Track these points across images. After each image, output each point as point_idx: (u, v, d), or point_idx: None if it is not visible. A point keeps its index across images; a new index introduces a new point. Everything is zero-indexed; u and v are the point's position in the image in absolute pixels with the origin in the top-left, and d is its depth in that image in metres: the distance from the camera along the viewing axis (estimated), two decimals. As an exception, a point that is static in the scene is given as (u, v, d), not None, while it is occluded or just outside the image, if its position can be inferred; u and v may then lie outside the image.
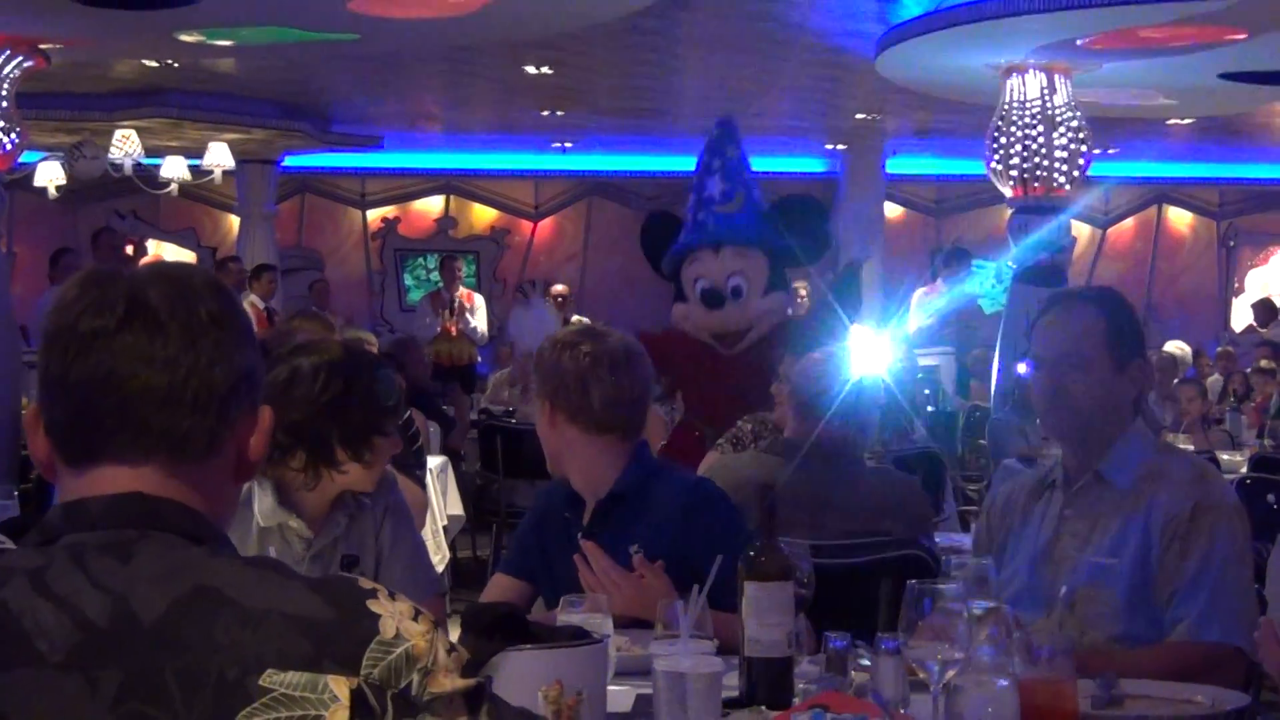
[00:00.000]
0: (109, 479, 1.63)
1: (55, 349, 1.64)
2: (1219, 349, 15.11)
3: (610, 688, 2.53)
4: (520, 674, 2.32)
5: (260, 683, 1.49)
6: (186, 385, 1.63)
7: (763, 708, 2.67)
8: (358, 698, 1.50)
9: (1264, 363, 12.89)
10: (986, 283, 18.54)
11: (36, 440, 1.69)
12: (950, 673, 2.42)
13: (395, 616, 1.56)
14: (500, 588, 3.68)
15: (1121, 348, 3.30)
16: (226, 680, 1.48)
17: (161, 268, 1.72)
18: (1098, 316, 3.31)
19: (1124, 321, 3.35)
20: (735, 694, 2.71)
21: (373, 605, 1.56)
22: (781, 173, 18.24)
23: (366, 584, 1.59)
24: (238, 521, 3.37)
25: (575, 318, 14.80)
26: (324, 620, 1.53)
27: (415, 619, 1.56)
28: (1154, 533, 3.15)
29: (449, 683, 1.56)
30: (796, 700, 2.66)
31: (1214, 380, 13.44)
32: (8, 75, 10.63)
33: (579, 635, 2.47)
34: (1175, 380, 11.23)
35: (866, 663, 2.65)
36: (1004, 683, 2.35)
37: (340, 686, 1.50)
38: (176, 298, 1.65)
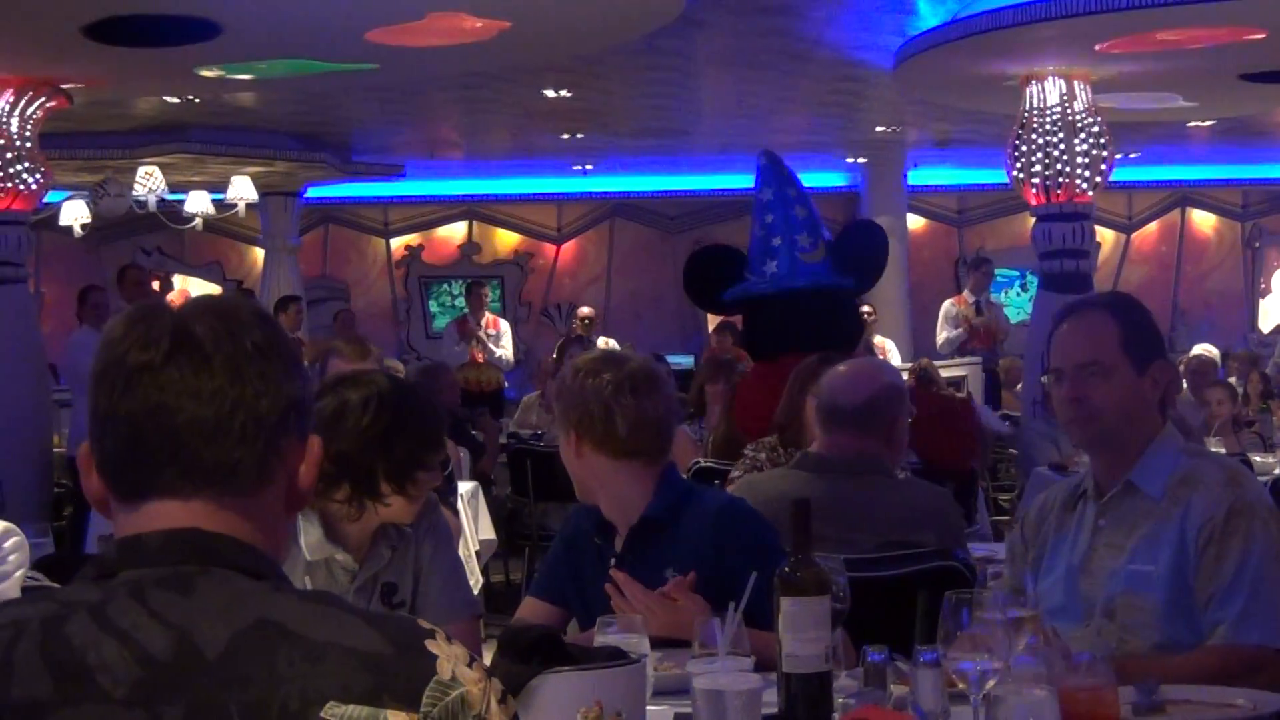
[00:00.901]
0: (162, 514, 1.64)
1: (104, 384, 1.65)
2: (1237, 351, 15.04)
3: (648, 707, 2.53)
4: (559, 695, 2.32)
5: (322, 715, 1.50)
6: (234, 416, 1.64)
7: (803, 723, 2.66)
8: None
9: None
10: (1011, 291, 18.55)
11: (90, 479, 1.70)
12: (990, 683, 2.42)
13: (451, 660, 1.57)
14: (531, 611, 3.67)
15: (1138, 350, 3.28)
16: (289, 712, 1.50)
17: (207, 300, 1.73)
18: (1110, 322, 3.28)
19: (1138, 323, 3.33)
20: (774, 710, 2.71)
21: (430, 645, 1.58)
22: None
23: (424, 624, 1.61)
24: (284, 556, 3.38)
25: (601, 340, 14.81)
26: (384, 655, 1.55)
27: (470, 665, 1.58)
28: (1189, 538, 3.13)
29: None
30: (836, 715, 2.66)
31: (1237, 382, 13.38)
32: (31, 116, 10.70)
33: (616, 656, 2.46)
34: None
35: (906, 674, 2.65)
36: (1044, 691, 2.34)
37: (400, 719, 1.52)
38: (222, 330, 1.66)
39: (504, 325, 15.09)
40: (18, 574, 3.67)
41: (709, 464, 7.07)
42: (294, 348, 1.75)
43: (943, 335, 14.61)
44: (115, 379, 1.64)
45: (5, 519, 3.93)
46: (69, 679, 1.51)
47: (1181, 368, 11.25)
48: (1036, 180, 11.19)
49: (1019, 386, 12.93)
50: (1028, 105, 11.22)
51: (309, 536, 3.39)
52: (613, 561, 3.51)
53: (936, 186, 19.08)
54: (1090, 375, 3.23)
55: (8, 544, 3.75)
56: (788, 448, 5.49)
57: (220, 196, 15.18)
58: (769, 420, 5.76)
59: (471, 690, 1.56)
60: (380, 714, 1.51)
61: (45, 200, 11.79)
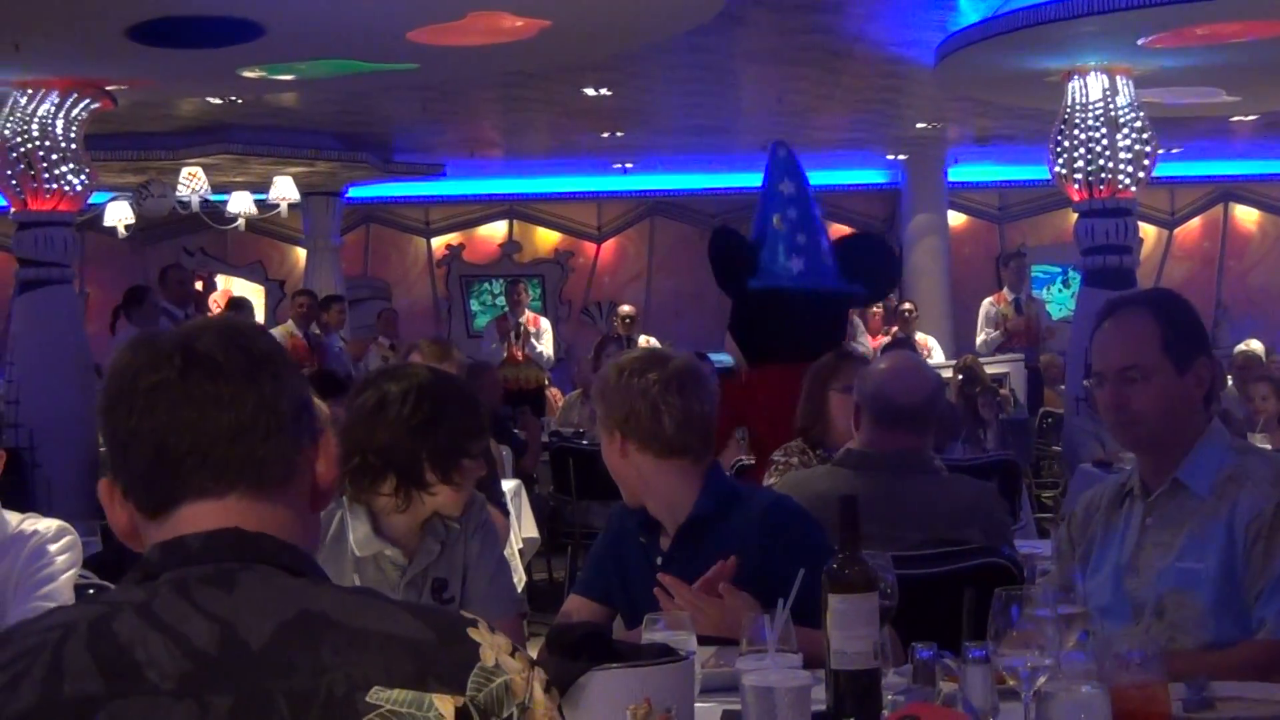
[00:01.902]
0: (197, 516, 1.68)
1: (119, 411, 1.70)
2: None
3: (696, 705, 2.53)
4: (608, 692, 2.32)
5: (368, 699, 1.53)
6: (256, 418, 1.69)
7: (852, 720, 2.66)
8: (463, 716, 1.54)
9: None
10: (1053, 287, 18.47)
11: (114, 510, 1.75)
12: (1040, 679, 2.41)
13: (494, 648, 1.60)
14: (576, 609, 3.67)
15: (1180, 349, 3.24)
16: (335, 698, 1.52)
17: (204, 320, 1.81)
18: (1150, 321, 3.24)
19: (1179, 321, 3.28)
20: (823, 708, 2.70)
21: (473, 633, 1.61)
22: (843, 185, 18.24)
23: (466, 614, 1.64)
24: (333, 554, 3.40)
25: (642, 338, 14.80)
26: (427, 642, 1.58)
27: (513, 655, 1.61)
28: (1238, 535, 3.11)
29: None
30: (885, 712, 2.65)
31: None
32: (76, 117, 10.77)
33: (665, 653, 2.47)
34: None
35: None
36: (1095, 688, 2.34)
37: (445, 705, 1.54)
38: (227, 340, 1.72)
39: (544, 323, 15.10)
40: (70, 573, 3.70)
41: (751, 462, 7.06)
42: (289, 356, 1.81)
43: (981, 336, 14.56)
44: (132, 403, 1.69)
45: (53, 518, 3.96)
46: (118, 674, 1.54)
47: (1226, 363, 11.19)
48: (1079, 176, 11.13)
49: (1061, 385, 12.87)
50: (1070, 101, 11.17)
51: (357, 533, 3.41)
52: (659, 560, 3.50)
53: (977, 183, 19.02)
54: (1131, 380, 3.21)
55: (59, 543, 3.77)
56: (815, 448, 5.47)
57: (262, 197, 15.26)
58: (788, 426, 5.71)
59: (515, 679, 1.59)
60: (425, 698, 1.54)
61: (90, 201, 11.86)
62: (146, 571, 1.65)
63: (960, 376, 10.94)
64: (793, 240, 7.85)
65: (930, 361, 12.23)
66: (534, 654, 2.37)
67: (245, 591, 1.60)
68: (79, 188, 10.78)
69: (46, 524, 3.83)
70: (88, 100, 10.83)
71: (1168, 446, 3.23)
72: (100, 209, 14.77)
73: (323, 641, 1.55)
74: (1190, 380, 3.23)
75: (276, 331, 13.17)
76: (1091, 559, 3.30)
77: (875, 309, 14.86)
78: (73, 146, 10.78)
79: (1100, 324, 3.32)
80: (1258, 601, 3.08)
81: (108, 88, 10.94)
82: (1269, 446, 8.14)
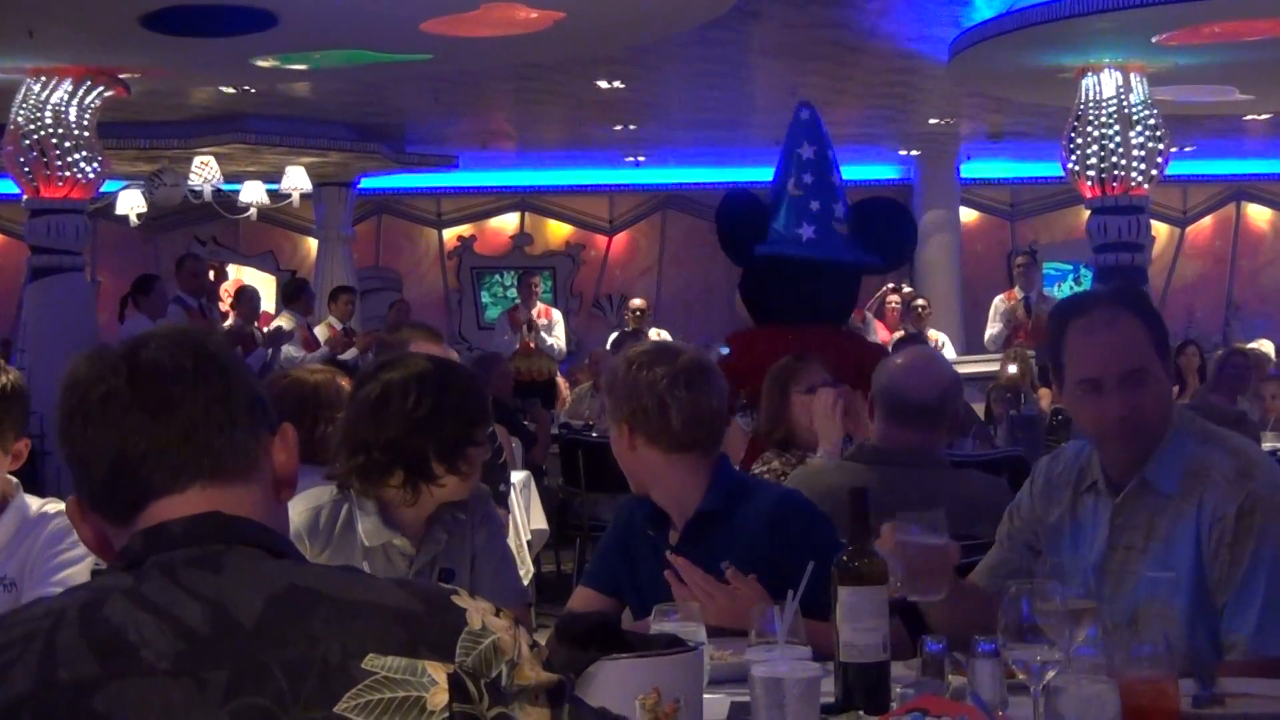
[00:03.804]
0: (161, 512, 1.72)
1: (75, 425, 1.74)
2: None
3: (704, 696, 2.53)
4: (617, 682, 2.32)
5: (363, 666, 1.56)
6: (208, 415, 1.73)
7: (860, 713, 2.66)
8: (455, 682, 1.58)
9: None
10: (1065, 285, 18.43)
11: (82, 526, 1.78)
12: (1050, 673, 2.41)
13: (480, 611, 1.64)
14: (584, 601, 3.66)
15: (1163, 345, 3.14)
16: (330, 665, 1.56)
17: (146, 332, 1.83)
18: (1136, 320, 3.11)
19: (1155, 317, 3.17)
20: (831, 700, 2.70)
21: (457, 600, 1.65)
22: (855, 181, 18.18)
23: (445, 585, 1.69)
24: (342, 545, 3.40)
25: (653, 331, 14.80)
26: (415, 611, 1.62)
27: (497, 615, 1.65)
28: (1204, 540, 3.01)
29: (534, 675, 1.63)
30: (894, 705, 2.65)
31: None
32: (89, 105, 10.79)
33: (675, 643, 2.46)
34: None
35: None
36: (1104, 682, 2.33)
37: (438, 671, 1.58)
38: (171, 346, 1.76)
39: (556, 315, 15.10)
40: (90, 559, 3.70)
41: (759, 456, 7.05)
42: (237, 354, 1.87)
43: (988, 331, 14.54)
44: (86, 416, 1.73)
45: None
46: (112, 656, 1.56)
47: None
48: (1091, 173, 11.12)
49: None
50: (1083, 98, 11.16)
51: (365, 524, 3.41)
52: (668, 553, 3.50)
53: (990, 179, 19.00)
54: (1138, 383, 3.06)
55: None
56: (788, 449, 5.47)
57: (275, 187, 15.26)
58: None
59: (503, 637, 1.62)
60: (418, 665, 1.57)
61: (102, 189, 11.88)
62: (130, 559, 1.68)
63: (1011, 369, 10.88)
64: (805, 206, 7.82)
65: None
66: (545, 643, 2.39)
67: (232, 572, 1.63)
68: (91, 175, 10.81)
69: None
70: (101, 88, 10.85)
71: (1149, 447, 3.10)
72: (112, 197, 14.78)
73: (314, 614, 1.58)
74: (1171, 377, 3.18)
75: (319, 329, 13.26)
76: (1063, 548, 3.16)
77: (892, 302, 14.84)
78: (85, 134, 10.80)
79: (1067, 329, 3.14)
80: (1224, 613, 2.99)
81: (121, 76, 10.95)
82: (1278, 445, 8.14)
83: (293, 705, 1.53)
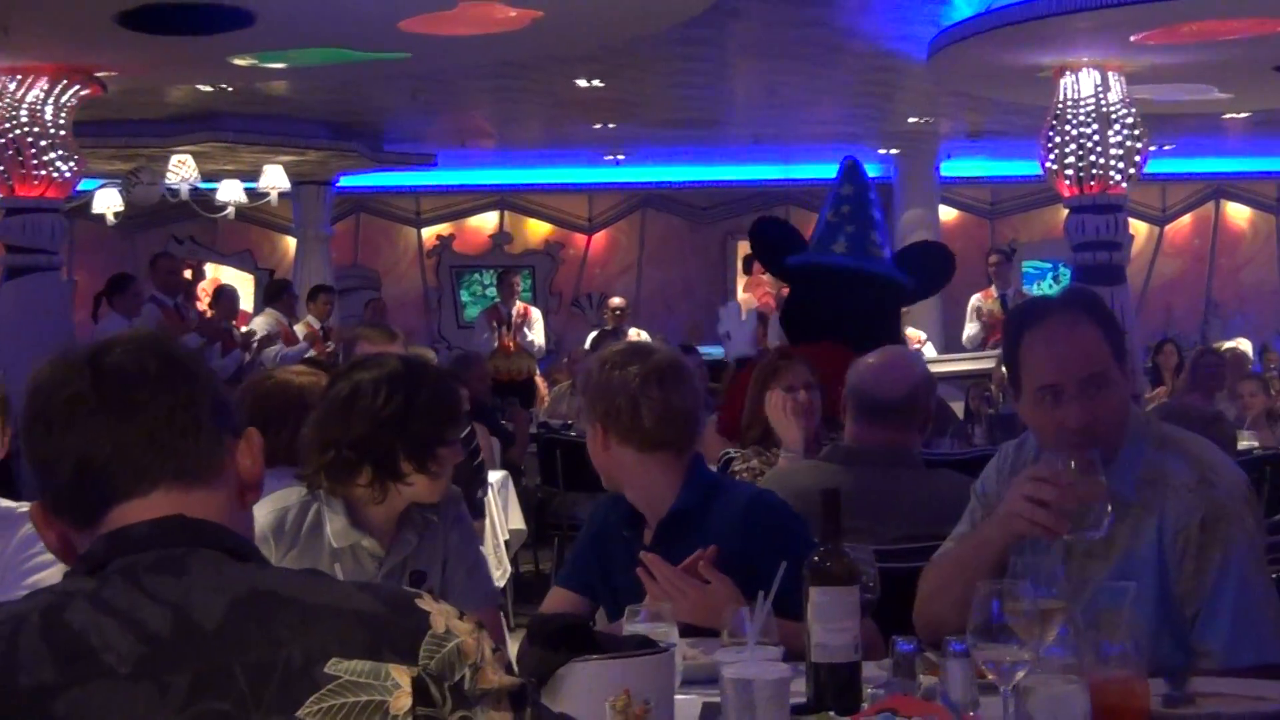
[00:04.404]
0: (124, 516, 1.71)
1: (38, 429, 1.74)
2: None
3: (676, 697, 2.53)
4: (587, 684, 2.32)
5: (326, 670, 1.56)
6: (172, 418, 1.73)
7: (831, 713, 2.65)
8: (419, 686, 1.58)
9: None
10: (1044, 283, 18.47)
11: (46, 532, 1.78)
12: (1020, 673, 2.40)
13: (443, 615, 1.65)
14: (558, 601, 3.66)
15: (1119, 349, 3.11)
16: (292, 669, 1.56)
17: (110, 337, 1.83)
18: (1093, 325, 3.06)
19: (1111, 320, 3.14)
20: (803, 700, 2.70)
21: (419, 604, 1.65)
22: (835, 179, 18.22)
23: (409, 589, 1.69)
24: (310, 545, 3.39)
25: (632, 330, 14.80)
26: (378, 614, 1.62)
27: (461, 618, 1.66)
28: (1168, 549, 2.98)
29: (496, 679, 1.64)
30: (865, 705, 2.65)
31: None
32: (65, 104, 10.75)
33: (645, 645, 2.46)
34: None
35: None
36: (1074, 683, 2.33)
37: (401, 675, 1.58)
38: (135, 351, 1.76)
39: (535, 314, 15.12)
40: (59, 564, 3.68)
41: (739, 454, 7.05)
42: (200, 359, 1.85)
43: (966, 331, 14.57)
44: (50, 420, 1.73)
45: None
46: (73, 661, 1.56)
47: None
48: (1070, 172, 11.14)
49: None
50: (1062, 96, 11.17)
51: (334, 524, 3.40)
52: (642, 553, 3.49)
53: (969, 178, 19.02)
54: (1097, 389, 3.01)
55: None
56: (768, 448, 5.47)
57: (252, 185, 15.24)
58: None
59: (467, 641, 1.63)
60: (382, 668, 1.58)
61: (79, 188, 11.84)
62: (93, 563, 1.68)
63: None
64: (841, 229, 7.92)
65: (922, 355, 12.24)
66: (517, 647, 2.38)
67: (194, 576, 1.63)
68: (67, 174, 10.77)
69: None
70: (77, 86, 10.81)
71: (1109, 454, 3.02)
72: (89, 196, 14.73)
73: (276, 617, 1.58)
74: (1129, 380, 3.15)
75: (298, 328, 13.25)
76: (1023, 546, 3.06)
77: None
78: (62, 133, 10.76)
79: (1023, 336, 3.09)
80: (1195, 625, 2.97)
81: (97, 74, 10.92)
82: (1255, 444, 8.17)
83: (254, 709, 1.54)
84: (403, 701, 1.57)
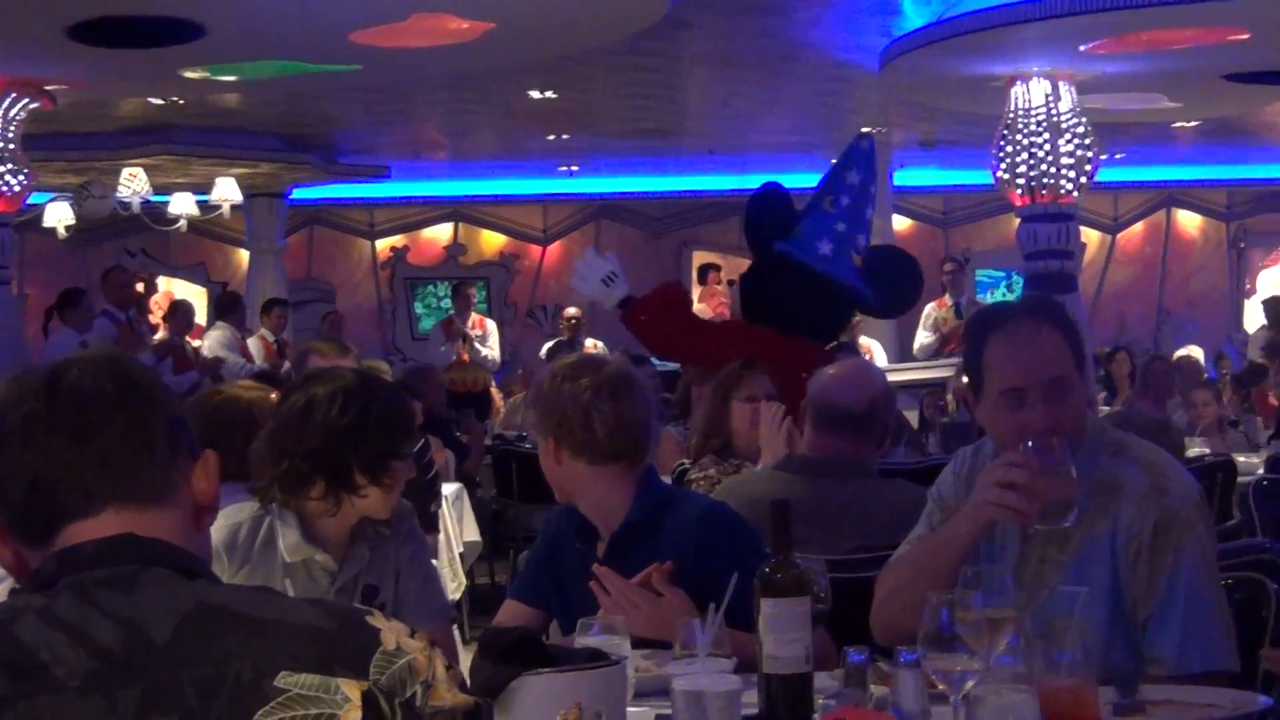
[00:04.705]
0: (75, 535, 1.72)
1: None
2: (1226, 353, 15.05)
3: (629, 709, 2.52)
4: (539, 697, 2.31)
5: (275, 683, 1.57)
6: (126, 439, 1.74)
7: (783, 724, 2.65)
8: (368, 700, 1.59)
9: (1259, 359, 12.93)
10: (997, 292, 18.54)
11: (4, 550, 1.78)
12: (970, 683, 2.41)
13: (394, 632, 1.65)
14: (511, 614, 3.65)
15: (1080, 356, 3.13)
16: (242, 683, 1.56)
17: (70, 357, 1.84)
18: (1056, 331, 3.09)
19: (1076, 330, 3.16)
20: (754, 711, 2.70)
21: (370, 620, 1.66)
22: (843, 158, 18.28)
23: (360, 606, 1.71)
24: (263, 560, 3.38)
25: (588, 340, 14.79)
26: (328, 629, 1.63)
27: (412, 636, 1.66)
28: (1120, 555, 3.00)
29: (450, 697, 1.65)
30: (816, 716, 2.65)
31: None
32: (14, 117, 10.68)
33: (597, 657, 2.45)
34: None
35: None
36: (1024, 692, 2.34)
37: (352, 689, 1.59)
38: (95, 370, 1.77)
39: (490, 325, 15.09)
40: (4, 584, 3.65)
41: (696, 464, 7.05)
42: (159, 380, 1.86)
43: (919, 340, 14.59)
44: (6, 439, 1.74)
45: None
46: (23, 674, 1.56)
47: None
48: (1021, 181, 11.20)
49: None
50: (1013, 106, 11.23)
51: (287, 539, 3.38)
52: (595, 566, 3.49)
53: (922, 187, 19.07)
54: (1061, 394, 3.03)
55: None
56: (726, 458, 5.47)
57: (205, 198, 15.17)
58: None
59: (418, 658, 1.64)
60: (332, 682, 1.58)
61: (29, 202, 11.76)
62: (42, 580, 1.68)
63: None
64: (833, 226, 7.88)
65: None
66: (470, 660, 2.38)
67: (144, 592, 1.63)
68: (17, 188, 10.71)
69: None
70: (26, 100, 10.75)
71: None
72: (40, 209, 14.63)
73: (226, 632, 1.59)
74: (1088, 387, 3.17)
75: (251, 342, 13.19)
76: (978, 551, 3.08)
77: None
78: (11, 147, 10.70)
79: (988, 340, 3.11)
80: (1146, 630, 2.98)
81: (47, 87, 10.85)
82: (1207, 451, 8.21)
83: None
84: (353, 715, 1.57)
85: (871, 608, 3.23)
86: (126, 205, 14.50)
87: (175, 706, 1.54)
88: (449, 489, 8.07)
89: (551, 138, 15.49)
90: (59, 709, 1.54)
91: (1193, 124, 15.07)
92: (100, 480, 1.71)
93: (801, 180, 17.88)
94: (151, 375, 1.84)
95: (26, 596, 1.66)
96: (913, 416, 10.80)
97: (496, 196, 19.00)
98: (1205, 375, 12.23)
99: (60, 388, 1.74)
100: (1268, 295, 17.25)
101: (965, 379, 3.28)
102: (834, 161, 8.29)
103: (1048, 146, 11.10)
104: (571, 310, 15.74)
